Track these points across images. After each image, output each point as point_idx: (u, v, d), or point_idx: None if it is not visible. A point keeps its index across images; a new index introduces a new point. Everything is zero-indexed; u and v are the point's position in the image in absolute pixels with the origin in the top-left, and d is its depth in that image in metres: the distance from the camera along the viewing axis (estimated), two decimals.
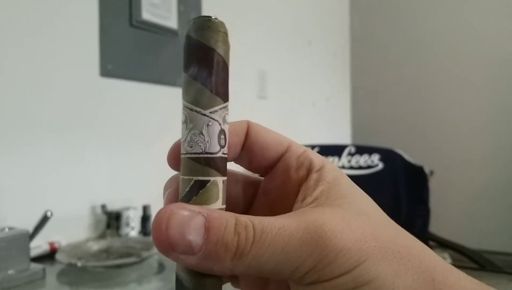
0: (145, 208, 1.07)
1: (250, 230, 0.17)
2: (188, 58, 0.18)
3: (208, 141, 0.17)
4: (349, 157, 1.35)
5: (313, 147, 1.35)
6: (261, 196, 0.23)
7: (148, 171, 1.14)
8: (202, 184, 0.17)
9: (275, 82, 1.67)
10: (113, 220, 1.02)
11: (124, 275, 0.76)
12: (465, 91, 1.92)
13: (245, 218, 0.17)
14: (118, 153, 1.10)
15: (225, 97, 0.18)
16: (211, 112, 0.17)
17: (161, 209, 0.17)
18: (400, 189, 1.32)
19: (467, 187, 1.92)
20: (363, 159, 1.36)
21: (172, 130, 1.15)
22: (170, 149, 0.21)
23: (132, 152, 1.13)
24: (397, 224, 0.20)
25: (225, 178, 0.18)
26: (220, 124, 0.17)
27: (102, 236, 1.02)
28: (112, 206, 1.04)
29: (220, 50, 0.17)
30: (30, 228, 0.79)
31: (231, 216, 0.17)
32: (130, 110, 1.13)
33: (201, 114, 0.17)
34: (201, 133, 0.17)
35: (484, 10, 1.88)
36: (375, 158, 1.36)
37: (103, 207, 1.03)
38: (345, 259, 0.17)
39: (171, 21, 1.21)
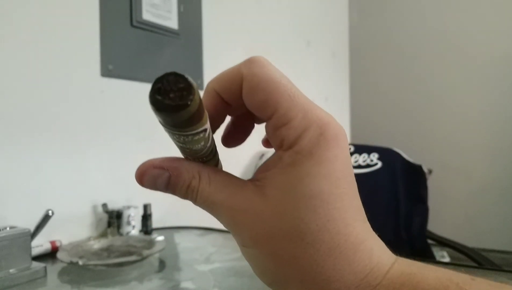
0: (146, 207, 1.07)
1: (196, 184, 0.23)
2: None
3: None
4: None
5: None
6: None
7: None
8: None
9: None
10: (114, 219, 1.02)
11: (125, 273, 0.76)
12: (465, 90, 1.93)
13: (202, 174, 0.23)
14: (118, 152, 1.10)
15: None
16: None
17: (140, 165, 0.23)
18: (399, 188, 1.32)
19: (466, 185, 1.92)
20: (362, 158, 1.37)
21: None
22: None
23: (133, 151, 1.13)
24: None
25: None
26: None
27: (103, 234, 1.02)
28: (113, 205, 1.05)
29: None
30: (32, 227, 0.79)
31: (196, 174, 0.23)
32: (131, 110, 1.13)
33: None
34: None
35: (484, 10, 1.89)
36: (374, 157, 1.36)
37: (104, 206, 1.03)
38: None
39: (172, 22, 1.22)
